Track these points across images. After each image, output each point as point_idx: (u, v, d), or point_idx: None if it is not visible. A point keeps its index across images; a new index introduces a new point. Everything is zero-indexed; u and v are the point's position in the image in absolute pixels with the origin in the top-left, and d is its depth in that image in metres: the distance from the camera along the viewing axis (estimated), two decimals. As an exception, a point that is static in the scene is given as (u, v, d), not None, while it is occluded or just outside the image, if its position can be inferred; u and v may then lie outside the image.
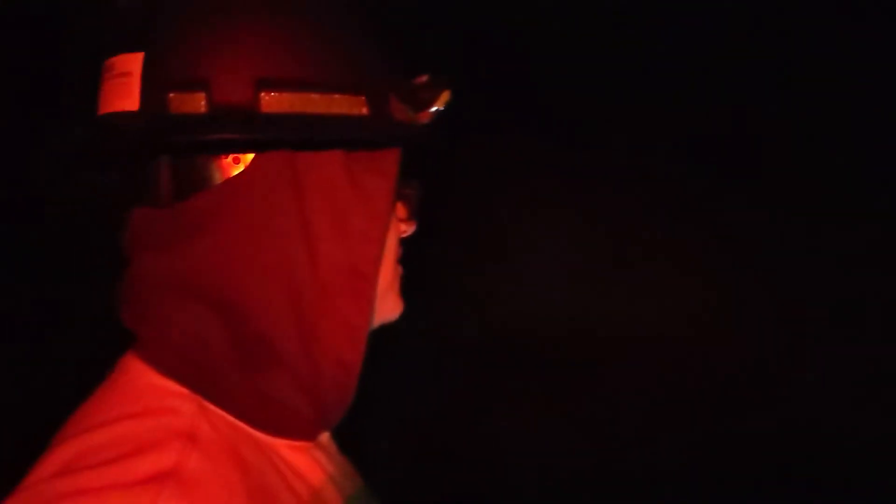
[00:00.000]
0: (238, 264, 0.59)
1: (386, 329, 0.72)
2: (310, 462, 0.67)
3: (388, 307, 0.70)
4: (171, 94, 0.57)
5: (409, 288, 0.73)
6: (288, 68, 0.59)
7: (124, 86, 0.59)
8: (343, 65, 0.61)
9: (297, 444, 0.66)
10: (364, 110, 0.61)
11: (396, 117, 0.64)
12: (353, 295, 0.63)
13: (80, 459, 0.53)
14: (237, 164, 0.59)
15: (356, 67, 0.61)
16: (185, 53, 0.58)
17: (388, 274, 0.68)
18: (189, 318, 0.60)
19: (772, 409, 2.24)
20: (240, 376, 0.60)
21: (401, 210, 0.70)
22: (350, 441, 0.78)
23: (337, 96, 0.60)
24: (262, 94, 0.58)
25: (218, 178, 0.59)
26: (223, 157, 0.59)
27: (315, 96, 0.59)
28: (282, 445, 0.65)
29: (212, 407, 0.60)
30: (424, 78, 0.68)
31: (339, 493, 0.70)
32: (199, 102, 0.57)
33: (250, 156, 0.59)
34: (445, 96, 0.67)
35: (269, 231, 0.59)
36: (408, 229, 0.72)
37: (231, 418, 0.61)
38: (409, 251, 0.73)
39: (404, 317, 0.73)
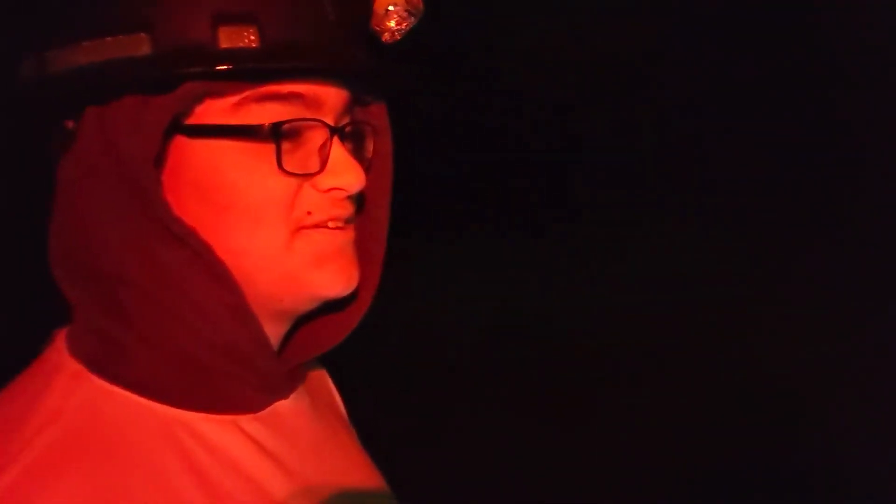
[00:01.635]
0: (85, 232, 0.60)
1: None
2: (237, 437, 0.62)
3: (280, 270, 0.62)
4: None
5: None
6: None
7: None
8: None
9: (216, 417, 0.61)
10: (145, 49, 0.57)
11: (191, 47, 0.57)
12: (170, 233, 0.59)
13: None
14: (73, 127, 0.60)
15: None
16: None
17: (267, 232, 0.61)
18: (76, 292, 0.61)
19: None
20: (132, 346, 0.60)
21: (295, 155, 0.61)
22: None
23: (109, 40, 0.57)
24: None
25: (65, 145, 0.60)
26: (67, 122, 0.59)
27: (88, 44, 0.57)
28: (197, 420, 0.60)
29: (106, 385, 0.60)
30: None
31: (283, 472, 0.63)
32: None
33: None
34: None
35: (110, 199, 0.59)
36: (322, 181, 0.61)
37: (127, 394, 0.60)
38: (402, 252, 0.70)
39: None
